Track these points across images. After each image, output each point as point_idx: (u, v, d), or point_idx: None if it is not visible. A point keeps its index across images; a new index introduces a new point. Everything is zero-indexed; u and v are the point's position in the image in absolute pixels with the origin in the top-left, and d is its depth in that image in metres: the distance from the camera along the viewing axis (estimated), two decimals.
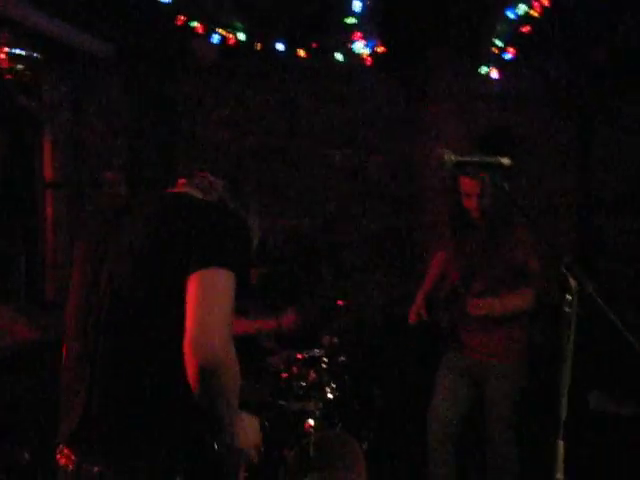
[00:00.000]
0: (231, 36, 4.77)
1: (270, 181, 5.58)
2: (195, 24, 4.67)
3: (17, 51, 3.88)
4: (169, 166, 5.34)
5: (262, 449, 1.99)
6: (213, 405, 1.74)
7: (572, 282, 1.88)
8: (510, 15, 4.66)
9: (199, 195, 2.03)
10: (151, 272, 1.79)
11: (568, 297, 1.89)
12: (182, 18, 4.59)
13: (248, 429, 1.90)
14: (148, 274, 1.79)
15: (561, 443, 2.02)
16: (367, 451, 3.65)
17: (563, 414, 2.01)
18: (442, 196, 5.32)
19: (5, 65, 3.93)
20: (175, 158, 5.41)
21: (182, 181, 2.11)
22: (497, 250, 3.46)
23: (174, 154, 5.40)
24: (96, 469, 1.77)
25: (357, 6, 4.53)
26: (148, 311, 1.79)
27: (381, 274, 5.70)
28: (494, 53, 4.96)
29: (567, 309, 1.90)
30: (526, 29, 4.74)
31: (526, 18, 4.64)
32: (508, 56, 4.97)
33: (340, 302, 3.99)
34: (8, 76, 3.96)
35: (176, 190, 2.07)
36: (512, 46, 4.91)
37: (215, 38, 4.82)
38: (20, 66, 4.00)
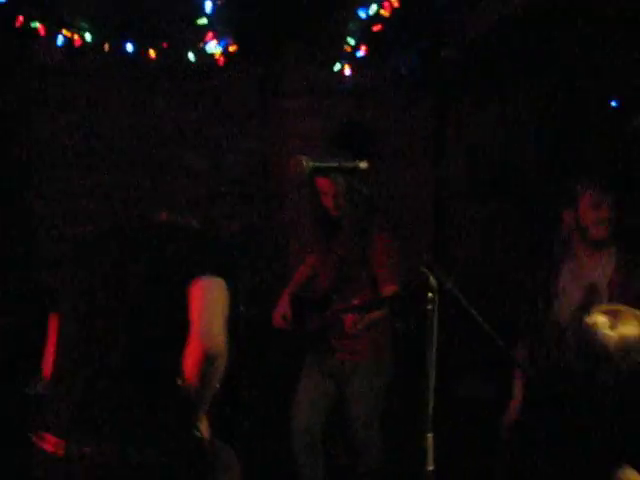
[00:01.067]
0: (77, 37, 4.57)
1: (122, 185, 5.39)
2: (36, 25, 4.44)
3: None
4: (22, 173, 5.08)
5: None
6: (204, 389, 2.11)
7: (432, 280, 1.94)
8: (362, 14, 4.74)
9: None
10: (156, 282, 2.17)
11: (430, 295, 1.95)
12: (21, 19, 4.36)
13: (205, 424, 2.27)
14: (153, 283, 2.17)
15: (430, 435, 2.08)
16: (239, 454, 3.62)
17: (430, 407, 2.07)
18: (300, 193, 5.37)
19: None
20: (28, 164, 5.14)
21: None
22: (364, 258, 3.49)
23: (27, 160, 5.13)
24: (87, 449, 2.00)
25: (208, 7, 4.46)
26: (152, 309, 2.15)
27: (242, 273, 5.65)
28: (346, 51, 5.03)
29: (429, 306, 1.96)
30: (377, 27, 4.83)
31: (377, 17, 4.73)
32: (360, 53, 5.06)
33: None
34: None
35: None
36: (364, 44, 5.00)
37: (59, 39, 4.60)
38: None
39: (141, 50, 4.74)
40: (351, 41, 4.98)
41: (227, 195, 5.64)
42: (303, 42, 5.35)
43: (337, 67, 5.20)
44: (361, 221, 3.47)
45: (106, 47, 4.68)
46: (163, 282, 2.17)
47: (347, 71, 5.18)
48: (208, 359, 2.04)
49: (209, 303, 2.11)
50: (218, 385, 2.17)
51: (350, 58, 5.09)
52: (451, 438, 3.25)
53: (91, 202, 5.37)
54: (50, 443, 2.05)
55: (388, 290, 3.41)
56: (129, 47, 4.69)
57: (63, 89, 5.28)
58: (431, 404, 2.07)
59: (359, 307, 3.39)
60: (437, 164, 5.82)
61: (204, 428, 2.25)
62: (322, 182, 3.45)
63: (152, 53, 4.77)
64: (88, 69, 5.21)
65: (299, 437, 3.68)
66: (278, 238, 5.64)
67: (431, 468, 2.11)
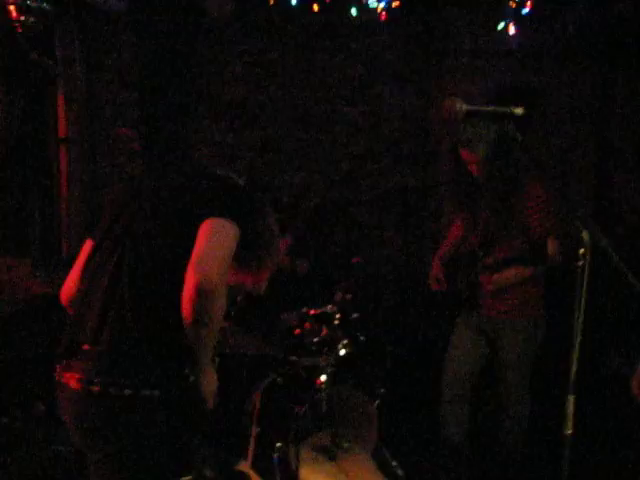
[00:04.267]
0: None
1: (284, 137, 5.55)
2: None
3: (27, 2, 3.83)
4: (183, 123, 5.31)
5: (217, 402, 2.30)
6: (198, 327, 2.03)
7: (585, 235, 1.86)
8: None
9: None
10: (172, 221, 2.19)
11: (581, 250, 1.87)
12: None
13: (211, 376, 2.24)
14: (170, 222, 2.19)
15: (572, 398, 2.02)
16: (378, 407, 3.68)
17: (574, 370, 2.00)
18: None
19: (15, 17, 3.89)
20: (189, 115, 5.38)
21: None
22: (512, 216, 3.39)
23: (188, 110, 5.37)
24: (96, 389, 2.03)
25: None
26: (166, 251, 2.15)
27: (395, 232, 5.67)
28: (511, 7, 4.84)
29: (580, 263, 1.88)
30: None
31: None
32: (526, 10, 4.85)
33: (354, 259, 3.98)
34: (19, 29, 3.92)
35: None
36: (530, 0, 4.79)
37: None
38: (31, 19, 3.96)
39: (305, 4, 4.79)
40: None
41: (385, 152, 5.66)
42: (466, 0, 5.23)
43: (501, 26, 5.02)
44: (511, 178, 3.36)
45: (271, 1, 4.76)
46: (177, 220, 2.18)
47: (511, 30, 4.98)
48: (199, 294, 1.97)
49: (210, 240, 2.06)
50: (214, 331, 2.10)
51: (515, 16, 4.89)
52: (592, 404, 3.15)
53: (248, 155, 5.56)
54: (64, 377, 2.11)
55: (539, 243, 3.30)
56: (293, 1, 4.75)
57: (230, 43, 5.46)
58: (575, 366, 2.00)
59: (496, 265, 3.31)
60: (601, 132, 5.52)
61: (206, 376, 2.21)
62: (464, 153, 3.38)
63: (315, 7, 4.81)
64: (254, 23, 5.36)
65: (448, 388, 3.71)
66: (433, 197, 5.60)
67: (569, 432, 2.05)
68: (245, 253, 2.25)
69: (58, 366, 2.15)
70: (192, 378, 2.16)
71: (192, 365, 2.16)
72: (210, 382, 2.24)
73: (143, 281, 2.13)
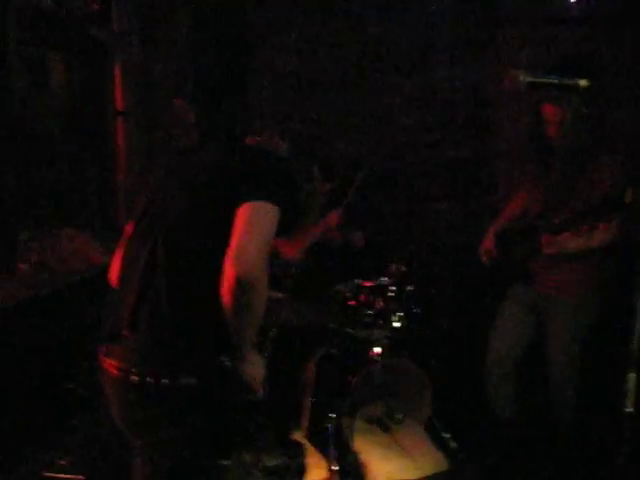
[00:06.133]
0: None
1: (336, 108, 5.52)
2: None
3: None
4: (238, 94, 5.33)
5: (266, 389, 2.23)
6: (238, 318, 1.98)
7: None
8: None
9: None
10: (207, 203, 2.11)
11: None
12: None
13: (255, 363, 2.16)
14: (204, 204, 2.11)
15: (633, 375, 1.99)
16: (432, 379, 3.68)
17: (635, 346, 1.98)
18: (516, 124, 5.19)
19: None
20: (244, 86, 5.39)
21: (249, 138, 2.49)
22: (579, 182, 3.29)
23: (243, 82, 5.39)
24: (134, 378, 2.03)
25: None
26: (203, 234, 2.08)
27: (453, 203, 5.62)
28: None
29: None
30: None
31: None
32: None
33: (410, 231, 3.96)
34: (77, 3, 3.97)
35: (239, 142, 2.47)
36: None
37: None
38: None
39: None
40: None
41: (439, 124, 5.59)
42: None
43: None
44: (583, 146, 3.28)
45: None
46: (213, 203, 2.09)
47: None
48: (240, 285, 1.90)
49: (249, 227, 1.96)
50: (256, 320, 2.03)
51: None
52: None
53: (301, 125, 5.56)
54: (105, 362, 2.13)
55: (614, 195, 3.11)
56: None
57: (284, 16, 5.44)
58: (636, 343, 1.97)
59: (559, 225, 3.22)
60: None
61: (250, 363, 2.13)
62: (548, 109, 3.29)
63: None
64: None
65: (494, 366, 3.69)
66: (489, 170, 5.52)
67: (630, 410, 2.03)
68: (286, 226, 2.15)
69: (100, 348, 2.16)
70: (229, 365, 2.09)
71: (232, 352, 2.09)
72: (255, 369, 2.17)
73: (177, 267, 2.07)
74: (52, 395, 3.56)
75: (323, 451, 3.33)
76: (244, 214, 1.99)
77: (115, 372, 2.08)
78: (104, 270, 2.43)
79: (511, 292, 3.71)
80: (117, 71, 4.78)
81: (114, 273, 2.31)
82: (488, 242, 3.72)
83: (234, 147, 2.38)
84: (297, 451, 3.37)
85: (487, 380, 3.75)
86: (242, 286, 1.90)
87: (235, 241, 1.94)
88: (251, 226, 1.97)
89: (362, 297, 3.65)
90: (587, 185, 3.25)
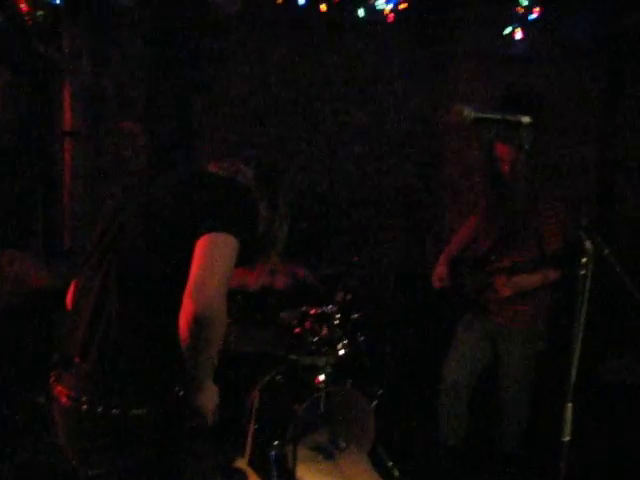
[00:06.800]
0: None
1: (288, 136, 5.55)
2: None
3: None
4: (187, 118, 5.32)
5: (216, 417, 2.18)
6: (195, 352, 1.93)
7: (588, 244, 1.87)
8: None
9: (220, 173, 2.28)
10: (164, 231, 2.05)
11: (584, 260, 1.89)
12: None
13: (210, 392, 2.11)
14: (161, 231, 2.05)
15: (570, 406, 2.04)
16: (376, 407, 3.69)
17: (573, 377, 2.02)
18: (462, 157, 5.30)
19: (25, 10, 3.90)
20: (193, 110, 5.38)
21: (213, 164, 2.34)
22: (532, 224, 3.40)
23: (193, 107, 5.38)
24: (84, 407, 1.97)
25: None
26: (157, 262, 2.02)
27: (397, 232, 5.68)
28: (519, 13, 4.85)
29: (582, 272, 1.90)
30: None
31: None
32: (533, 16, 4.86)
33: (355, 259, 3.98)
34: (28, 22, 3.93)
35: (201, 168, 2.36)
36: (537, 6, 4.80)
37: None
38: (40, 12, 3.97)
39: (312, 4, 4.80)
40: (524, 1, 4.79)
41: (388, 153, 5.66)
42: (474, 4, 5.23)
43: (508, 30, 5.03)
44: (530, 184, 3.37)
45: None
46: (169, 232, 2.04)
47: (518, 35, 4.99)
48: (198, 322, 1.84)
49: (208, 261, 1.90)
50: (214, 352, 1.98)
51: (522, 21, 4.90)
52: (588, 412, 3.17)
53: (251, 152, 5.55)
54: (56, 389, 2.07)
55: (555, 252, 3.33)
56: (301, 0, 4.76)
57: (236, 41, 5.47)
58: (574, 373, 2.02)
59: (512, 268, 3.34)
60: (607, 141, 5.52)
61: (206, 393, 2.08)
62: (502, 148, 3.38)
63: (323, 7, 4.82)
64: (260, 21, 5.36)
65: (448, 393, 3.73)
66: (437, 199, 5.61)
67: (568, 439, 2.07)
68: (246, 256, 2.09)
69: (52, 375, 2.11)
70: (181, 395, 2.06)
71: (185, 381, 2.04)
72: (209, 399, 2.12)
73: (129, 296, 2.02)
74: None
75: (266, 479, 3.30)
76: (203, 246, 1.93)
77: (65, 400, 2.02)
78: (48, 293, 2.38)
79: (464, 322, 3.75)
80: (66, 91, 4.73)
81: (70, 298, 2.26)
82: (440, 269, 3.76)
83: (194, 173, 2.33)
84: (240, 479, 3.34)
85: (439, 407, 3.78)
86: (201, 322, 1.85)
87: (194, 276, 1.88)
88: (211, 260, 1.91)
89: (307, 324, 3.65)
90: (538, 229, 3.36)
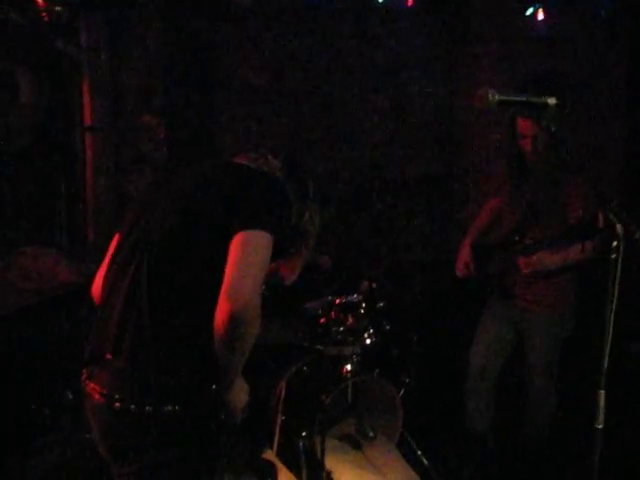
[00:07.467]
0: None
1: (308, 125, 5.52)
2: None
3: None
4: (207, 110, 5.31)
5: (246, 414, 2.19)
6: (229, 351, 1.92)
7: (619, 228, 1.83)
8: None
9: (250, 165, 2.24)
10: (197, 225, 2.03)
11: (614, 243, 1.85)
12: None
13: (241, 390, 2.13)
14: (195, 229, 2.03)
15: (602, 393, 2.00)
16: (403, 396, 3.67)
17: (605, 363, 1.98)
18: (486, 141, 5.24)
19: (42, 5, 3.90)
20: (213, 102, 5.37)
21: (240, 156, 2.29)
22: (555, 201, 3.32)
23: (213, 98, 5.37)
24: (117, 404, 1.95)
25: None
26: (190, 258, 2.00)
27: (420, 219, 5.64)
28: None
29: (613, 255, 1.86)
30: None
31: None
32: None
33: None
34: (45, 18, 3.93)
35: (229, 160, 2.30)
36: None
37: None
38: (57, 7, 3.96)
39: None
40: None
41: (410, 140, 5.62)
42: None
43: (530, 11, 4.94)
44: (557, 163, 3.30)
45: None
46: (202, 227, 2.02)
47: (540, 15, 4.91)
48: (233, 321, 1.83)
49: (244, 259, 1.88)
50: (247, 351, 1.96)
51: (544, 1, 4.82)
52: (623, 398, 3.12)
53: (272, 142, 5.55)
54: (88, 386, 2.05)
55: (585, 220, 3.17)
56: None
57: (253, 31, 5.44)
58: (606, 360, 1.98)
59: (534, 245, 3.26)
60: (630, 117, 5.44)
61: (236, 391, 2.09)
62: (523, 123, 3.31)
63: None
64: (277, 10, 5.33)
65: (475, 381, 3.70)
66: (459, 185, 5.56)
67: (601, 426, 2.03)
68: (280, 249, 2.07)
69: (84, 371, 2.10)
70: (214, 392, 2.04)
71: (217, 379, 2.03)
72: (240, 397, 2.13)
73: (162, 293, 2.00)
74: (15, 416, 3.48)
75: (294, 470, 3.30)
76: (239, 244, 1.91)
77: (98, 397, 2.00)
78: (72, 289, 2.37)
79: (489, 307, 3.72)
80: (85, 86, 4.73)
81: (96, 289, 2.24)
82: (465, 255, 3.71)
83: (224, 165, 2.28)
84: (268, 470, 3.33)
85: (466, 395, 3.75)
86: (236, 321, 1.84)
87: (230, 275, 1.87)
88: (246, 259, 1.89)
89: (333, 314, 3.63)
90: (561, 205, 3.28)
